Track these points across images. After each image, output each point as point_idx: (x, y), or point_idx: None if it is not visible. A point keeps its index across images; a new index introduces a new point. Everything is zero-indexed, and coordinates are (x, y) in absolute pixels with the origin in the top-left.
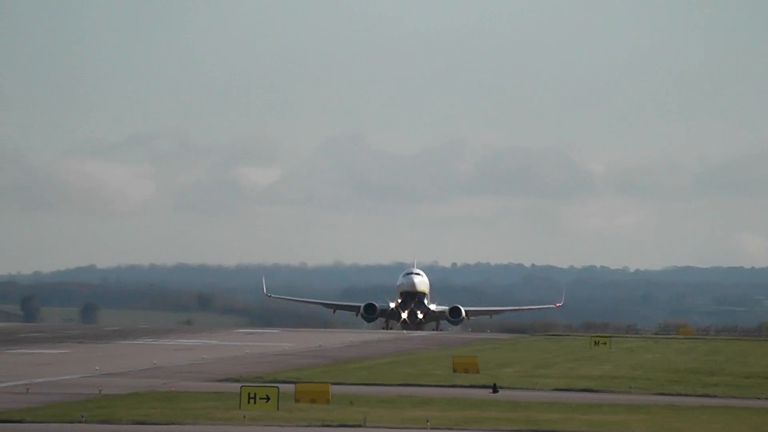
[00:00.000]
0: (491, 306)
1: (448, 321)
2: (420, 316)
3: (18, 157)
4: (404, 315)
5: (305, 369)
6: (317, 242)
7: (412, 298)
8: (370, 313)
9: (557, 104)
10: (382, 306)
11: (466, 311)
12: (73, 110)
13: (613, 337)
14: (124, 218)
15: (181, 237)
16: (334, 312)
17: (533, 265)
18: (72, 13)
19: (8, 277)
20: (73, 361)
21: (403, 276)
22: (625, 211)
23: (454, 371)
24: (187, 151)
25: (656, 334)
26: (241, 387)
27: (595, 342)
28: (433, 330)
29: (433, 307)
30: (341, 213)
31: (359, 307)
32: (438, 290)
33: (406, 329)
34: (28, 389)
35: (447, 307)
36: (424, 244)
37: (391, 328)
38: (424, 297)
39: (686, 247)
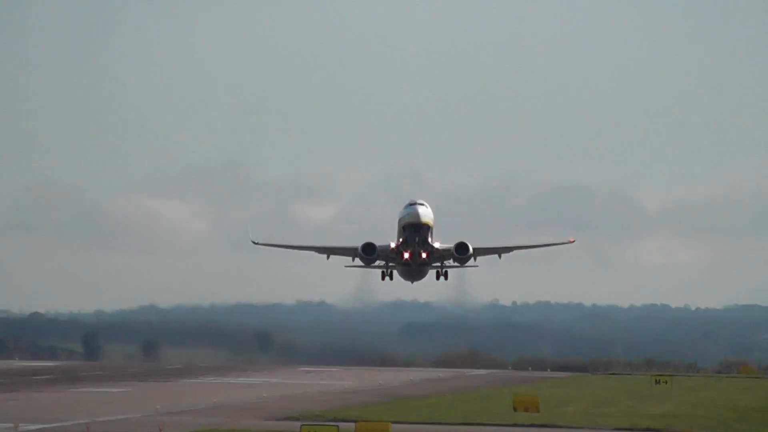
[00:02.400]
0: (502, 243)
1: (454, 259)
2: (423, 255)
3: (76, 194)
4: (406, 255)
5: (366, 407)
6: (376, 278)
7: (416, 231)
8: (369, 253)
9: (612, 140)
10: (382, 246)
11: (474, 249)
12: (129, 146)
13: (674, 375)
14: (182, 255)
15: (240, 275)
16: (327, 258)
17: (594, 304)
18: (127, 50)
19: (69, 315)
20: (134, 400)
21: (406, 207)
22: (684, 248)
23: (515, 410)
24: (244, 188)
25: (718, 372)
26: (301, 426)
27: (656, 380)
28: (438, 271)
29: (437, 244)
30: None
31: (356, 249)
32: (498, 328)
33: (406, 272)
34: (89, 428)
35: (452, 245)
36: (483, 281)
37: (391, 271)
38: (429, 231)
39: (747, 284)
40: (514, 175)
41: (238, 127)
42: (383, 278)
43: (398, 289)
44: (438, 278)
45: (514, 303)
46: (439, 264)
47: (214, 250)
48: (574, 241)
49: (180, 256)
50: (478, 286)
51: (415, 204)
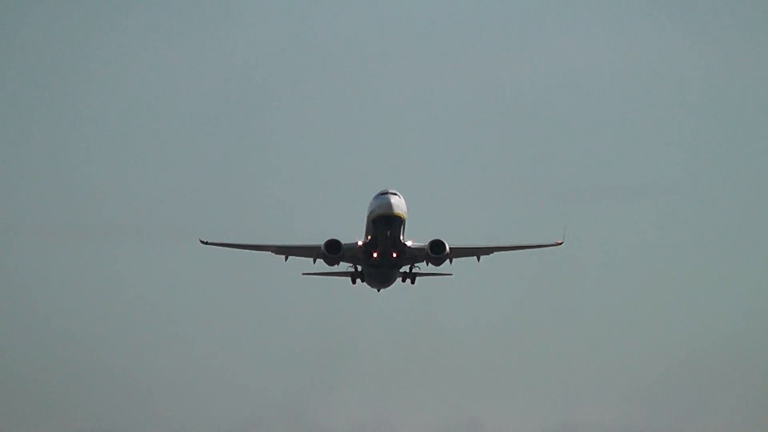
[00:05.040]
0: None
1: (428, 259)
2: (394, 255)
3: None
4: (375, 254)
5: None
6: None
7: (387, 224)
8: (334, 251)
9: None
10: (348, 244)
11: (450, 248)
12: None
13: None
14: None
15: None
16: (286, 259)
17: None
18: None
19: None
20: None
21: (376, 198)
22: None
23: None
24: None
25: None
26: None
27: None
28: (406, 273)
29: (409, 243)
30: None
31: (318, 247)
32: None
33: (373, 276)
34: None
35: (426, 244)
36: None
37: (362, 273)
38: (401, 226)
39: None
40: None
41: (300, 378)
42: (353, 281)
43: None
44: (404, 280)
45: None
46: (409, 265)
47: None
48: (562, 243)
49: None
50: None
51: (387, 194)
